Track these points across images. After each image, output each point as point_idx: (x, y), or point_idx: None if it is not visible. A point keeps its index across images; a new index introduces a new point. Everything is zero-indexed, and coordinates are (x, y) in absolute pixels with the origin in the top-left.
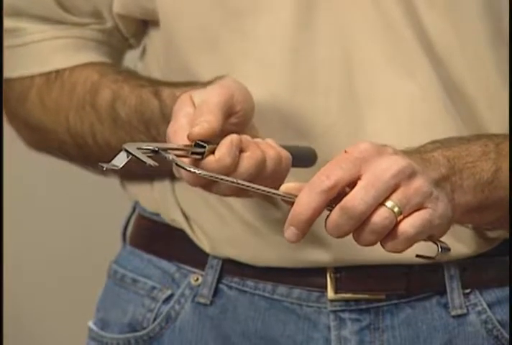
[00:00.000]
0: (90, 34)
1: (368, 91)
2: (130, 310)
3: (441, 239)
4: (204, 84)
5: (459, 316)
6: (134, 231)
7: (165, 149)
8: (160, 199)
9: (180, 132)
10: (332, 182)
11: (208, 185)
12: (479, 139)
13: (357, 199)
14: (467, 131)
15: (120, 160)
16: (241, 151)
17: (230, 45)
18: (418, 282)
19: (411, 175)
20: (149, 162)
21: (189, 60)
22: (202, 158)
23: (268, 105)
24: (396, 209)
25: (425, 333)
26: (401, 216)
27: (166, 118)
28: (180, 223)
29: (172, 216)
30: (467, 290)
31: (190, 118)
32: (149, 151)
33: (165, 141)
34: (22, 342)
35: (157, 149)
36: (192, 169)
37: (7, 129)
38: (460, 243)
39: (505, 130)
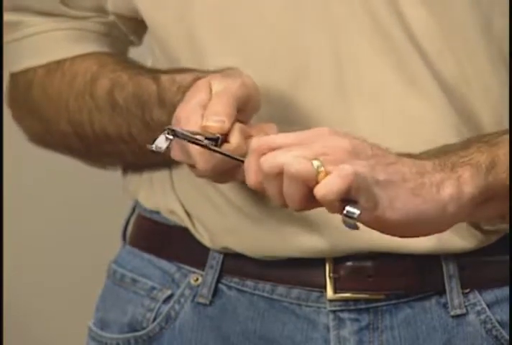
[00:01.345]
0: (92, 26)
1: (357, 85)
2: (130, 310)
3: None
4: (207, 72)
5: (458, 316)
6: (133, 231)
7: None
8: (160, 194)
9: (193, 118)
10: None
11: (221, 175)
12: (471, 145)
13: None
14: (457, 122)
15: (161, 142)
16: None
17: (209, 39)
18: (417, 281)
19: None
20: (201, 142)
21: (172, 55)
22: (216, 145)
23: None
24: (316, 163)
25: (424, 333)
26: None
27: (162, 102)
28: (181, 217)
29: (172, 210)
30: (466, 290)
31: (204, 105)
32: (171, 133)
33: (159, 126)
34: (22, 342)
35: (186, 133)
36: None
37: (7, 128)
38: (458, 237)
39: (496, 119)
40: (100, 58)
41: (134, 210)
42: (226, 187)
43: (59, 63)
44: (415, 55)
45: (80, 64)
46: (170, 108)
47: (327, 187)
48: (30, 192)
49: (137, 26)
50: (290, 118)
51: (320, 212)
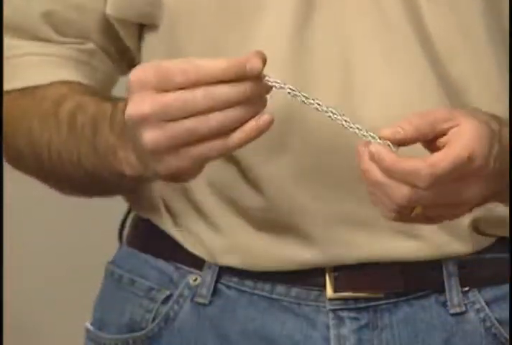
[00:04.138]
0: (68, 52)
1: (365, 91)
2: (128, 310)
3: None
4: None
5: (457, 314)
6: (131, 231)
7: None
8: (151, 208)
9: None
10: None
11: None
12: None
13: None
14: None
15: None
16: None
17: (231, 47)
18: (417, 280)
19: None
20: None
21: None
22: None
23: (268, 104)
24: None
25: (423, 332)
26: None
27: (112, 124)
28: (174, 235)
29: (166, 229)
30: (466, 288)
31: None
32: None
33: (104, 149)
34: (22, 342)
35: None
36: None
37: None
38: (458, 241)
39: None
40: (72, 84)
41: (130, 210)
42: (222, 206)
43: (33, 88)
44: (425, 61)
45: (52, 88)
46: (118, 129)
47: None
48: (28, 193)
49: (136, 31)
50: (295, 123)
51: (316, 226)
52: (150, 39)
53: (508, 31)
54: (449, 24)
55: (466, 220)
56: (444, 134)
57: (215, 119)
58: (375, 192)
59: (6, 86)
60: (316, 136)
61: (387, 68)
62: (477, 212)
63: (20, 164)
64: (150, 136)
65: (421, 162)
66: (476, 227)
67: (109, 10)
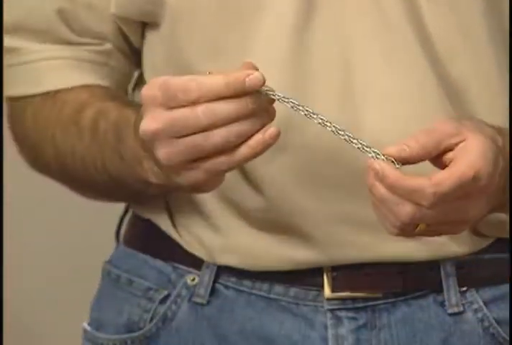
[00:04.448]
0: (87, 55)
1: (366, 91)
2: (126, 310)
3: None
4: None
5: (455, 314)
6: (128, 231)
7: None
8: (151, 207)
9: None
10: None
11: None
12: None
13: None
14: None
15: None
16: None
17: (231, 46)
18: (415, 280)
19: None
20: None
21: (191, 62)
22: None
23: None
24: None
25: (421, 332)
26: None
27: (137, 131)
28: (173, 235)
29: (164, 228)
30: (463, 288)
31: None
32: None
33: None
34: (22, 342)
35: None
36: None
37: (7, 130)
38: (456, 242)
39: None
40: (92, 89)
41: (127, 209)
42: (223, 206)
43: (54, 93)
44: (426, 61)
45: (72, 94)
46: (141, 138)
47: None
48: (28, 193)
49: (138, 28)
50: (296, 123)
51: (316, 226)
52: (151, 38)
53: (508, 31)
54: (449, 24)
55: None
56: (450, 149)
57: (219, 135)
58: (380, 207)
59: (28, 90)
60: (317, 137)
61: (387, 68)
62: None
63: (48, 171)
64: (162, 152)
65: (425, 180)
66: (475, 229)
67: (113, 8)
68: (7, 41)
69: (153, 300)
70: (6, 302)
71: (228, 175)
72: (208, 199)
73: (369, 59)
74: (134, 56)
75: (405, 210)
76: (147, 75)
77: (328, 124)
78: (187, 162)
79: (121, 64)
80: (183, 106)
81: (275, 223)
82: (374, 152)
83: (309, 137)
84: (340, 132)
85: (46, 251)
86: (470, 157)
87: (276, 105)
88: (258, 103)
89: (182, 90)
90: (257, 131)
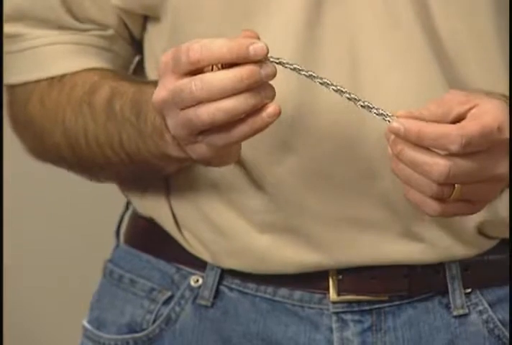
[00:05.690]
0: (91, 39)
1: (373, 88)
2: (128, 311)
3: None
4: None
5: (460, 316)
6: (130, 230)
7: None
8: (153, 205)
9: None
10: None
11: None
12: None
13: None
14: None
15: None
16: None
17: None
18: (420, 282)
19: None
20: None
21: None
22: None
23: (275, 102)
24: None
25: (427, 334)
26: None
27: None
28: (177, 238)
29: (167, 229)
30: (468, 290)
31: None
32: None
33: (151, 130)
34: (22, 342)
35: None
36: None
37: (7, 129)
38: (462, 244)
39: None
40: (101, 71)
41: (127, 207)
42: (227, 209)
43: (60, 77)
44: (434, 61)
45: (80, 76)
46: None
47: None
48: (26, 192)
49: (141, 20)
50: (302, 121)
51: (321, 229)
52: (153, 30)
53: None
54: (459, 25)
55: (471, 223)
56: (462, 118)
57: (206, 111)
58: (410, 180)
59: (33, 76)
60: (322, 138)
61: (395, 66)
62: (482, 215)
63: (55, 157)
64: (170, 122)
65: (450, 125)
66: (481, 230)
67: (115, 0)
68: (8, 28)
69: (156, 301)
70: (6, 302)
71: (232, 177)
72: (211, 201)
73: (377, 56)
74: (136, 43)
75: (439, 167)
76: (147, 64)
77: (344, 90)
78: (190, 135)
79: (124, 50)
80: (188, 74)
81: (279, 225)
82: (384, 114)
83: (316, 138)
84: (347, 95)
85: (48, 250)
86: (491, 112)
87: (281, 104)
88: (254, 79)
89: (185, 51)
90: (252, 108)
